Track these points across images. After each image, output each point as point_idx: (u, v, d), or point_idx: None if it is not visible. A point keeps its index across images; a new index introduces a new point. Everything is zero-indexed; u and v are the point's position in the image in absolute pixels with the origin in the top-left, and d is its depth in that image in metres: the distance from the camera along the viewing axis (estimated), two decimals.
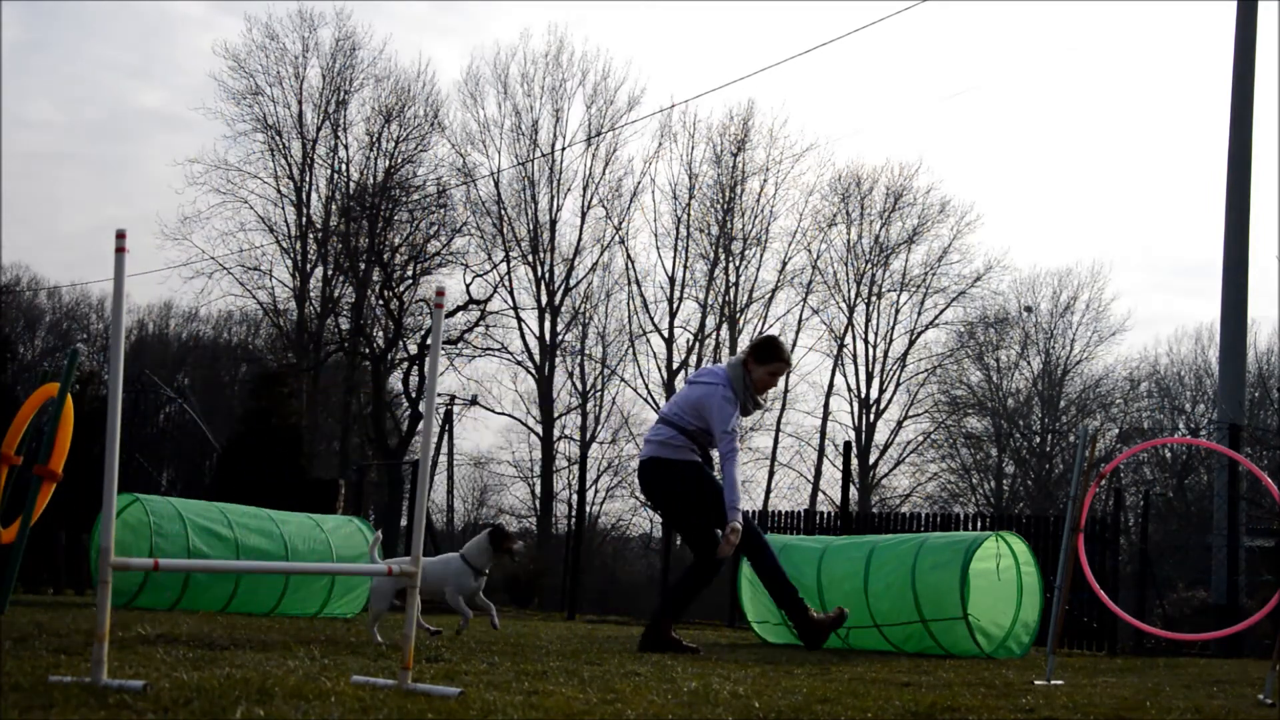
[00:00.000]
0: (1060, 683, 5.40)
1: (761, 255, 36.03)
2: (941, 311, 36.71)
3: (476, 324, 33.78)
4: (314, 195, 33.41)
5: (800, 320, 36.34)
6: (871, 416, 36.88)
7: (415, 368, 32.36)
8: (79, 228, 60.59)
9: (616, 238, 35.34)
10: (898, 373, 36.94)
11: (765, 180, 35.88)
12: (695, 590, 6.95)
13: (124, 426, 4.45)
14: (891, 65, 52.31)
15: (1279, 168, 42.25)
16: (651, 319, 36.01)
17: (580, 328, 35.70)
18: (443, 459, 33.45)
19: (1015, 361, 38.17)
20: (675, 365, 35.91)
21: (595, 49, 58.65)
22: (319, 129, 33.14)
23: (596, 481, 35.05)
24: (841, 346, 36.64)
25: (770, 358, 6.90)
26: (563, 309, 35.07)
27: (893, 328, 36.84)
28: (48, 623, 5.73)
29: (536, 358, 35.10)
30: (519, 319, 34.77)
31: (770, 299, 36.13)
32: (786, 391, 36.40)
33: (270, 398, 16.42)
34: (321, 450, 31.56)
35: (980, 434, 37.39)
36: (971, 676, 5.47)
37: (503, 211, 34.41)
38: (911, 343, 36.94)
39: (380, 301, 32.50)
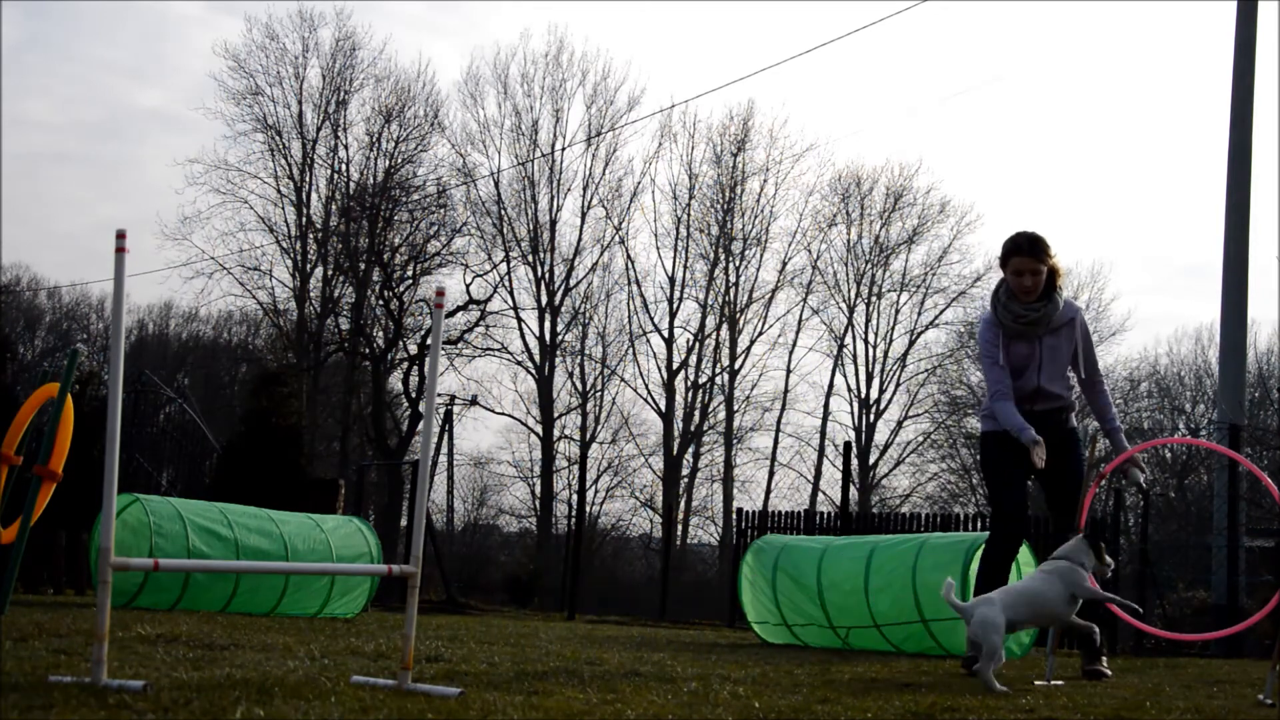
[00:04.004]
0: (1060, 683, 5.40)
1: (761, 255, 36.07)
2: (941, 312, 36.73)
3: (476, 324, 33.79)
4: (314, 195, 33.42)
5: (800, 320, 36.40)
6: (871, 417, 36.87)
7: (415, 368, 32.35)
8: (78, 228, 60.68)
9: (616, 238, 35.38)
10: (898, 373, 36.95)
11: (765, 180, 35.92)
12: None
13: (124, 426, 4.45)
14: (891, 65, 52.36)
15: (1279, 167, 42.22)
16: (651, 319, 36.04)
17: (580, 328, 35.71)
18: (443, 459, 33.50)
19: None
20: (675, 365, 35.92)
21: (595, 49, 58.72)
22: (319, 129, 33.13)
23: (596, 481, 35.08)
24: (841, 347, 36.66)
25: (1005, 256, 5.99)
26: (563, 309, 35.08)
27: (893, 328, 36.86)
28: (48, 623, 5.72)
29: (536, 358, 35.11)
30: (519, 319, 34.80)
31: (770, 299, 36.17)
32: (786, 392, 36.43)
33: (270, 398, 16.38)
34: (321, 450, 31.51)
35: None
36: (971, 676, 5.46)
37: (503, 211, 34.44)
38: (911, 343, 36.94)
39: (380, 301, 32.48)
